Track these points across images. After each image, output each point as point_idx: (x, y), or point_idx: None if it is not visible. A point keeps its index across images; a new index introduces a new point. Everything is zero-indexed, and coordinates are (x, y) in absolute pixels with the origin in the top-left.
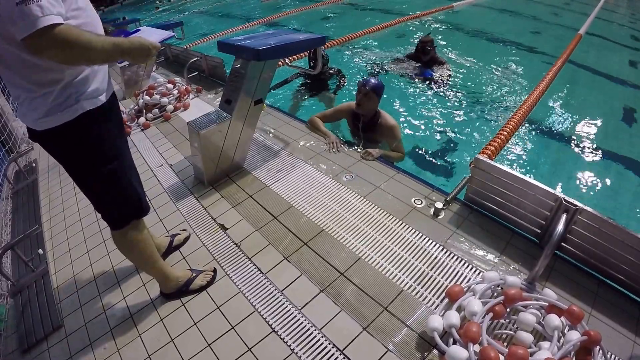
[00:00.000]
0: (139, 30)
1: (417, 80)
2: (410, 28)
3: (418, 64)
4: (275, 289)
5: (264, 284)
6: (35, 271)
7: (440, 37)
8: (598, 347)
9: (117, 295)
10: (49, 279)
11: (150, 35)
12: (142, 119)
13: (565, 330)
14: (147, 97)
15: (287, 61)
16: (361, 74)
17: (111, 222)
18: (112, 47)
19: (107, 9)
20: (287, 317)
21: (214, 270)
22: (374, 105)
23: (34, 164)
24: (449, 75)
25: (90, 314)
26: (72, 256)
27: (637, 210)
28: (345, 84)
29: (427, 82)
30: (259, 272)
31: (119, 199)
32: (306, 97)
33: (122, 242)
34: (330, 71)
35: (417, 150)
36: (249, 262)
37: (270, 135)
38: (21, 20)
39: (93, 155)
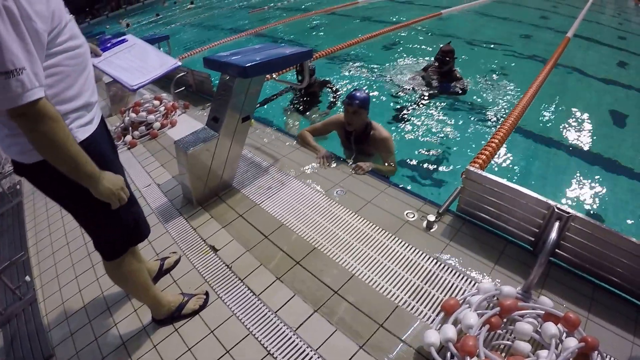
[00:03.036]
0: (125, 40)
1: (436, 94)
2: (400, 36)
3: (435, 78)
4: (269, 311)
5: (257, 305)
6: (23, 299)
7: (428, 44)
8: (596, 352)
9: (108, 322)
10: (37, 306)
11: (147, 57)
12: (128, 137)
13: (563, 337)
14: (133, 115)
15: (274, 75)
16: (355, 84)
17: (106, 253)
18: (84, 160)
19: (112, 14)
20: (282, 338)
21: (206, 294)
22: (364, 120)
23: (18, 186)
24: (465, 90)
25: (81, 342)
26: (61, 282)
27: (629, 212)
28: (338, 99)
29: (445, 96)
30: (251, 293)
31: (117, 228)
32: (298, 114)
33: (116, 272)
34: (318, 82)
35: (408, 161)
36: (241, 283)
37: (259, 151)
38: (1, 94)
39: None
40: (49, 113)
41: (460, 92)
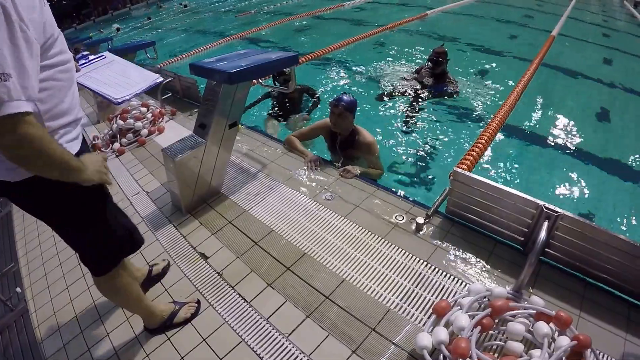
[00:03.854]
0: (103, 57)
1: (428, 95)
2: (387, 38)
3: (428, 79)
4: (261, 317)
5: (249, 312)
6: (14, 310)
7: (415, 45)
8: (589, 349)
9: (100, 332)
10: (29, 317)
11: (129, 72)
12: (116, 145)
13: (556, 336)
14: (120, 122)
15: (260, 80)
16: (342, 87)
17: (96, 268)
18: (69, 157)
19: (99, 19)
20: (275, 345)
21: (198, 302)
22: (349, 123)
23: None
24: (457, 92)
25: (73, 353)
26: (52, 293)
27: (617, 208)
28: (319, 103)
29: (437, 98)
30: (243, 300)
31: (110, 240)
32: (279, 120)
33: (106, 287)
34: (297, 88)
35: (396, 164)
36: (233, 290)
37: (247, 157)
38: None
39: (79, 198)
40: (33, 129)
41: (452, 93)
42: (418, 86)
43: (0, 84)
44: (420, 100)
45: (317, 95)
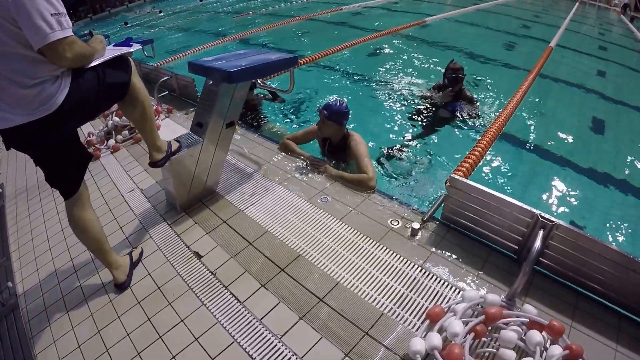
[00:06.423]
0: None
1: (441, 113)
2: (384, 44)
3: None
4: (254, 318)
5: (242, 313)
6: (5, 305)
7: (413, 51)
8: (581, 359)
9: (91, 329)
10: (19, 313)
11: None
12: (111, 142)
13: (548, 345)
14: (116, 118)
15: (258, 81)
16: (336, 93)
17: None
18: (90, 49)
19: (95, 17)
20: (268, 346)
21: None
22: (334, 131)
23: (0, 189)
24: (477, 115)
25: (64, 349)
26: (43, 288)
27: (611, 219)
28: (280, 100)
29: (451, 116)
30: (236, 300)
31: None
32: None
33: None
34: (257, 95)
35: (392, 169)
36: (226, 290)
37: (243, 157)
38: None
39: (102, 75)
40: (79, 42)
41: (471, 115)
42: (433, 103)
43: (63, 18)
44: (433, 119)
45: (278, 99)
